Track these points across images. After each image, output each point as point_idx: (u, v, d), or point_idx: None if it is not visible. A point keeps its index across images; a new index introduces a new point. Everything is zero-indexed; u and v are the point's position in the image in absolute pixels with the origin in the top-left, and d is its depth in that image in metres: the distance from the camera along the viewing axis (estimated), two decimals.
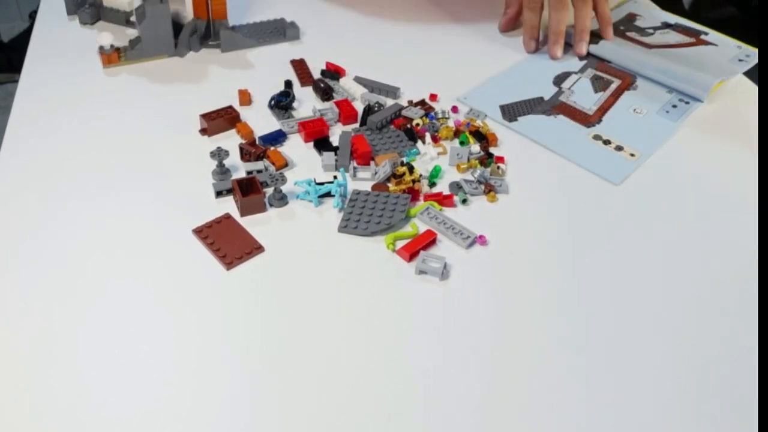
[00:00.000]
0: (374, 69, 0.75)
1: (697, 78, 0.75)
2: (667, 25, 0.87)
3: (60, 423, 0.42)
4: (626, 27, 0.86)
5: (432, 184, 0.61)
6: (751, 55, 0.80)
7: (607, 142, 0.68)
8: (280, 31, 0.81)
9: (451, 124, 0.68)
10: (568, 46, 0.82)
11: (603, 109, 0.73)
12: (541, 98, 0.74)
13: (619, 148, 0.67)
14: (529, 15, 0.81)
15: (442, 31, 0.85)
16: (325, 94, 0.71)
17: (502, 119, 0.70)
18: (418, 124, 0.67)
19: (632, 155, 0.66)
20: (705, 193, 0.63)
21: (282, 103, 0.69)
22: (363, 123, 0.68)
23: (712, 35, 0.85)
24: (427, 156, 0.64)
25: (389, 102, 0.71)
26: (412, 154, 0.64)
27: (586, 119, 0.71)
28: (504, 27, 0.85)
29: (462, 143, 0.66)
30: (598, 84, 0.76)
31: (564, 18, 0.80)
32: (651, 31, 0.86)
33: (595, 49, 0.81)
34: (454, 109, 0.71)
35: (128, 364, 0.45)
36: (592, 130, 0.70)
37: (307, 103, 0.71)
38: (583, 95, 0.75)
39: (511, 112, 0.71)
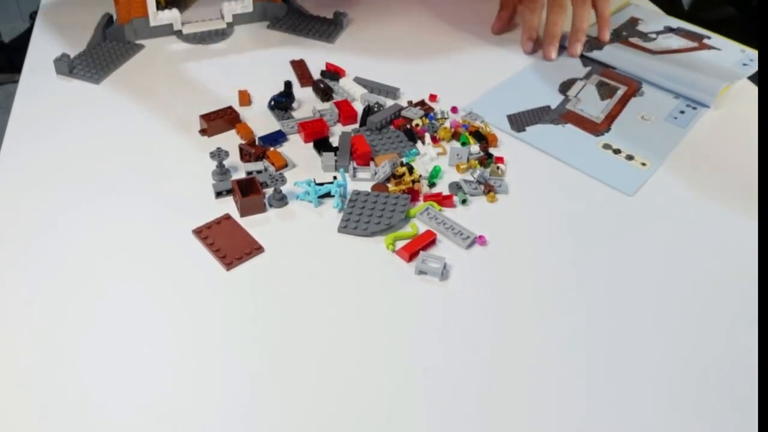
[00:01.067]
0: (374, 70, 0.75)
1: (703, 83, 0.74)
2: (669, 30, 0.87)
3: (61, 424, 0.42)
4: (629, 32, 0.86)
5: (432, 185, 0.61)
6: (754, 58, 0.80)
7: (617, 151, 0.67)
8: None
9: (447, 125, 0.68)
10: (565, 50, 0.81)
11: (611, 117, 0.72)
12: (548, 107, 0.73)
13: (629, 158, 0.66)
14: (528, 15, 0.81)
15: (441, 32, 0.85)
16: (325, 94, 0.71)
17: (510, 129, 0.69)
18: (417, 125, 0.67)
19: (643, 164, 0.65)
20: (708, 198, 0.62)
21: (282, 103, 0.69)
22: (363, 123, 0.68)
23: (715, 39, 0.85)
24: (426, 156, 0.64)
25: (389, 102, 0.71)
26: (411, 155, 0.64)
27: (594, 127, 0.70)
28: (497, 29, 0.85)
29: (463, 144, 0.66)
30: (604, 91, 0.76)
31: (560, 20, 0.80)
32: (654, 35, 0.85)
33: (599, 54, 0.80)
34: (454, 110, 0.71)
35: (129, 365, 0.45)
36: (602, 138, 0.68)
37: (306, 104, 0.71)
38: (590, 103, 0.74)
39: (519, 122, 0.70)
